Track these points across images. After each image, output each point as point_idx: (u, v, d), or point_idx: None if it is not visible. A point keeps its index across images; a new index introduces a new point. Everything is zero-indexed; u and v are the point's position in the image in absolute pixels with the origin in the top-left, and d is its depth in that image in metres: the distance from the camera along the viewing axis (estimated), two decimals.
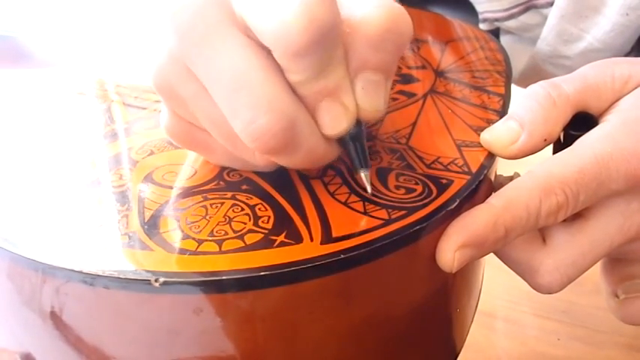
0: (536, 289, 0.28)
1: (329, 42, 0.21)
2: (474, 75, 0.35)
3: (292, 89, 0.22)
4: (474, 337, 0.31)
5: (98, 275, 0.20)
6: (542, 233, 0.28)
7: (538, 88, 0.28)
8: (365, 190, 0.24)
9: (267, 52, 0.21)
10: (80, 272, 0.21)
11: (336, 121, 0.23)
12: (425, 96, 0.33)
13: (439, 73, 0.35)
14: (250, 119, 0.21)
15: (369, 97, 0.23)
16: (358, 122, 0.24)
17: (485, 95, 0.33)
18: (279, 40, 0.20)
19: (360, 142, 0.24)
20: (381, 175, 0.26)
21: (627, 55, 0.46)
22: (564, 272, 0.27)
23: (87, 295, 0.21)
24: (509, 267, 0.28)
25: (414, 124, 0.30)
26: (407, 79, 0.35)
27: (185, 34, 0.21)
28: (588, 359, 0.40)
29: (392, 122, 0.30)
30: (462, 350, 0.31)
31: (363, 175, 0.24)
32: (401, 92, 0.33)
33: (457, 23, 0.44)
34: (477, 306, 0.32)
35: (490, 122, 0.29)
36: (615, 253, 0.28)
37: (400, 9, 0.22)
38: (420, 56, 0.38)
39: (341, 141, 0.24)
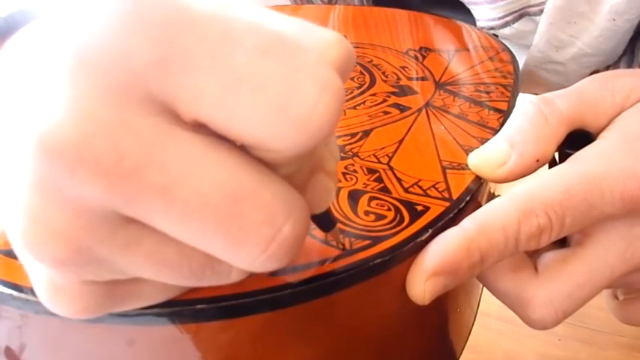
0: (529, 324, 0.25)
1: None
2: (477, 88, 0.33)
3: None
4: (474, 337, 0.30)
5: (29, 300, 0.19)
6: (533, 261, 0.25)
7: (529, 104, 0.25)
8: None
9: (231, 143, 0.16)
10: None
11: (329, 192, 0.19)
12: (419, 110, 0.31)
13: (440, 85, 0.33)
14: (271, 234, 0.16)
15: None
16: None
17: (485, 111, 0.30)
18: (286, 151, 0.16)
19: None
20: (352, 199, 0.24)
21: (620, 57, 0.45)
22: (559, 306, 0.24)
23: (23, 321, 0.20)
24: (498, 299, 0.26)
25: (401, 141, 0.28)
26: (403, 91, 0.32)
27: (117, 167, 0.14)
28: None
29: (377, 139, 0.28)
30: None
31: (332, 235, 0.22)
32: (394, 105, 0.31)
33: (472, 30, 0.42)
34: (477, 311, 0.30)
35: (484, 141, 0.27)
36: (618, 283, 0.26)
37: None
38: (423, 66, 0.36)
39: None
